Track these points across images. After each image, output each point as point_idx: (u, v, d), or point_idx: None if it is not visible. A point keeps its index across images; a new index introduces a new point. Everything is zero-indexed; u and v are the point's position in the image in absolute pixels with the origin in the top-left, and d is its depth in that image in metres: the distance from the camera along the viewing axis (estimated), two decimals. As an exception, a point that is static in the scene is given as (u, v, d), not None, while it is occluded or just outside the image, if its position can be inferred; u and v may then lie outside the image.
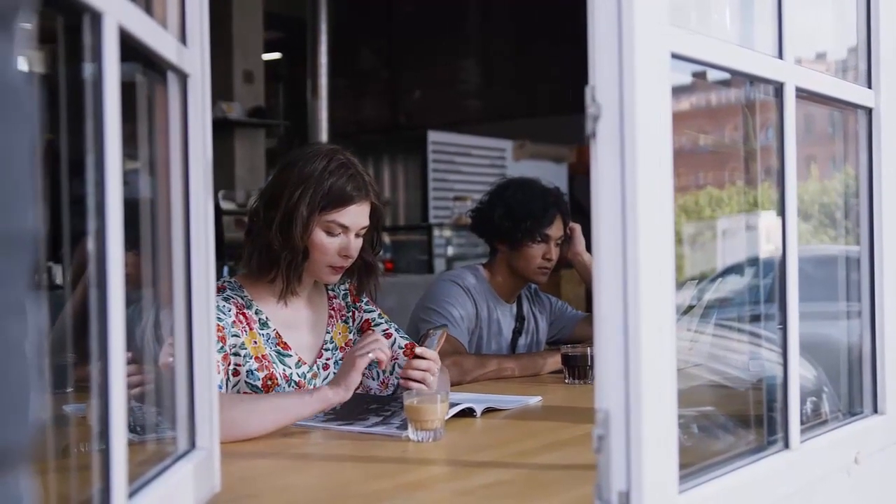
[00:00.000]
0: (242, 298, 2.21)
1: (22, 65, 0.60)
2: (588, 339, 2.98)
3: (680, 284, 1.29)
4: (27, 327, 0.60)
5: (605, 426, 1.17)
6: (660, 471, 1.19)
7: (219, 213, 5.31)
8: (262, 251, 2.20)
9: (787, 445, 1.51)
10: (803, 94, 1.57)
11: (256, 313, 2.22)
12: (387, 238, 7.81)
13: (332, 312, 2.37)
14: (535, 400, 2.35)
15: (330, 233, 2.19)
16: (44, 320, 0.64)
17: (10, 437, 0.58)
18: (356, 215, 2.20)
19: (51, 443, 1.20)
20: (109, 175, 1.02)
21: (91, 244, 1.02)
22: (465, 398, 2.17)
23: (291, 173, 2.18)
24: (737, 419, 1.73)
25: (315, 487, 1.61)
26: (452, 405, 2.03)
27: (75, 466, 1.28)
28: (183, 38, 1.36)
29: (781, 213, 1.53)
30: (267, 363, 2.18)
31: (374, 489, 1.55)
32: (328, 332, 2.34)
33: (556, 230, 3.02)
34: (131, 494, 1.10)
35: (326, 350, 2.33)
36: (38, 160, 0.61)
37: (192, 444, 1.38)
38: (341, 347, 2.35)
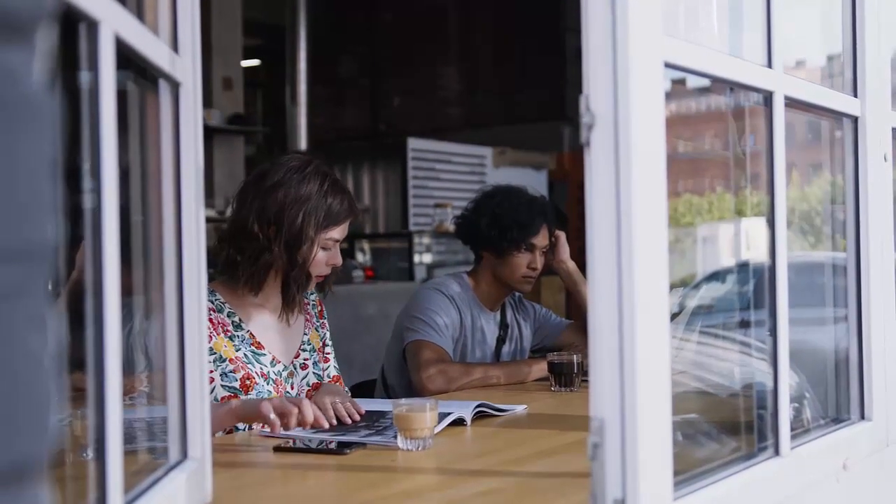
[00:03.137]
0: (213, 302, 2.24)
1: (42, 76, 0.60)
2: (572, 347, 2.99)
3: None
4: (47, 339, 0.59)
5: (600, 434, 1.17)
6: (655, 478, 1.19)
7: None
8: (264, 270, 2.25)
9: (777, 452, 1.52)
10: (791, 103, 1.58)
11: (229, 316, 2.27)
12: (367, 245, 7.80)
13: (308, 316, 2.45)
14: (521, 408, 2.35)
15: (324, 248, 2.29)
16: (62, 331, 0.64)
17: (33, 448, 0.58)
18: (346, 229, 2.33)
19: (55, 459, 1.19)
20: (105, 183, 1.01)
21: (86, 252, 1.02)
22: (453, 406, 2.17)
23: (285, 194, 2.23)
24: (724, 426, 1.74)
25: (307, 497, 1.60)
26: (442, 415, 2.03)
27: (65, 477, 1.27)
28: (175, 47, 1.35)
29: (771, 220, 1.54)
30: (242, 364, 2.23)
31: (366, 499, 1.54)
32: (305, 334, 2.42)
33: (541, 239, 3.02)
34: (126, 506, 1.09)
35: (304, 350, 2.40)
36: (58, 171, 0.61)
37: (185, 455, 1.37)
38: (318, 349, 2.44)
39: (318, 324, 2.48)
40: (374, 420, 2.13)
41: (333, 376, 2.44)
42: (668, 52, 1.24)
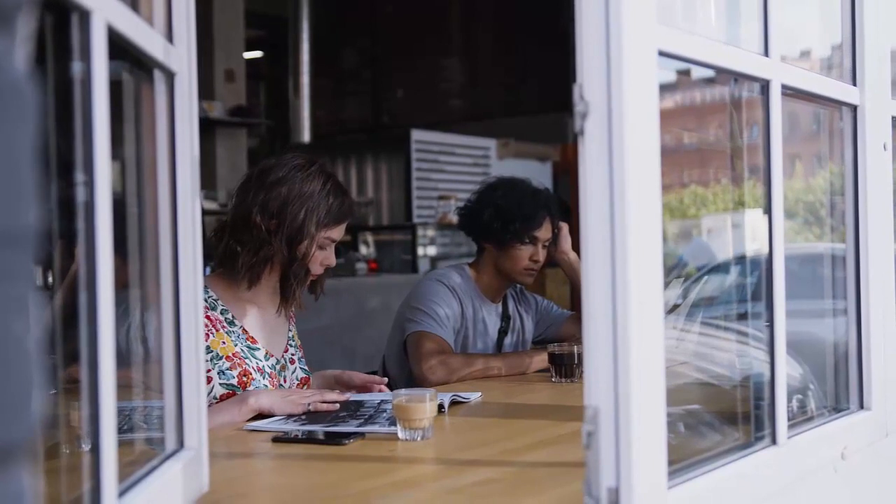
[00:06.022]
0: (206, 300, 2.25)
1: (23, 62, 0.60)
2: (574, 338, 2.99)
3: (665, 283, 1.29)
4: (29, 323, 0.60)
5: (595, 422, 1.17)
6: (649, 466, 1.19)
7: (201, 213, 5.32)
8: (263, 262, 2.28)
9: (774, 441, 1.52)
10: (789, 92, 1.58)
11: (222, 313, 2.30)
12: (370, 238, 7.80)
13: (292, 314, 2.49)
14: (475, 396, 2.37)
15: (321, 247, 2.32)
16: (45, 317, 0.64)
17: (14, 433, 0.58)
18: (343, 230, 2.37)
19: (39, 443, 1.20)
20: (98, 175, 1.01)
21: (79, 245, 1.02)
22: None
23: (289, 190, 2.26)
24: (724, 416, 1.74)
25: (304, 487, 1.60)
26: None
27: (60, 467, 1.27)
28: (170, 37, 1.35)
29: (768, 210, 1.53)
30: (239, 360, 2.26)
31: (364, 488, 1.55)
32: (290, 331, 2.47)
33: (544, 232, 3.02)
34: (121, 494, 1.09)
35: (291, 346, 2.45)
36: (39, 158, 0.61)
37: (181, 444, 1.37)
38: (299, 346, 2.49)
39: (295, 322, 2.53)
40: (355, 410, 2.14)
41: (302, 378, 2.46)
42: (662, 40, 1.24)
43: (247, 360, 2.26)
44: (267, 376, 2.29)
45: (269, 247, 2.26)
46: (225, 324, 2.28)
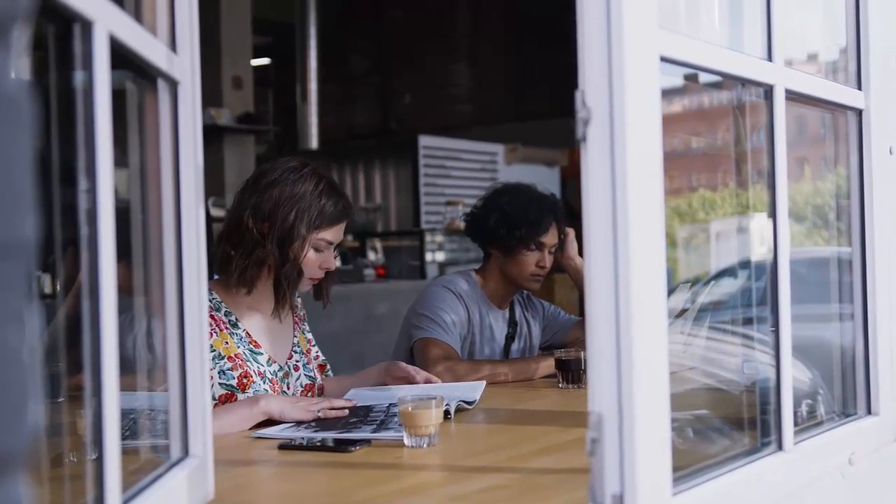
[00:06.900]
0: (211, 301, 2.26)
1: (19, 73, 0.61)
2: (581, 344, 2.98)
3: (673, 287, 1.29)
4: (25, 334, 0.60)
5: (599, 429, 1.17)
6: (653, 473, 1.19)
7: (209, 220, 5.34)
8: (256, 265, 2.28)
9: (780, 447, 1.51)
10: (793, 96, 1.58)
11: (226, 315, 2.30)
12: (378, 244, 7.80)
13: (296, 319, 2.49)
14: (480, 386, 2.42)
15: (317, 249, 2.31)
16: (40, 328, 0.64)
17: (9, 443, 0.58)
18: (341, 232, 2.36)
19: (44, 452, 1.20)
20: (101, 183, 1.02)
21: (83, 253, 1.02)
22: (424, 392, 2.22)
23: (280, 191, 2.27)
24: (731, 421, 1.73)
25: (310, 494, 1.60)
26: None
27: (66, 476, 1.27)
28: (173, 46, 1.35)
29: (772, 214, 1.53)
30: (241, 361, 2.26)
31: (370, 495, 1.55)
32: (295, 336, 2.46)
33: (550, 238, 3.02)
34: (125, 502, 1.09)
35: (295, 352, 2.45)
36: (36, 168, 0.62)
37: (186, 452, 1.37)
38: (305, 352, 2.48)
39: (303, 327, 2.53)
40: (364, 416, 2.14)
41: (319, 366, 2.51)
42: (663, 46, 1.23)
43: (248, 363, 2.26)
44: (268, 381, 2.29)
45: (261, 249, 2.26)
46: (228, 325, 2.28)
